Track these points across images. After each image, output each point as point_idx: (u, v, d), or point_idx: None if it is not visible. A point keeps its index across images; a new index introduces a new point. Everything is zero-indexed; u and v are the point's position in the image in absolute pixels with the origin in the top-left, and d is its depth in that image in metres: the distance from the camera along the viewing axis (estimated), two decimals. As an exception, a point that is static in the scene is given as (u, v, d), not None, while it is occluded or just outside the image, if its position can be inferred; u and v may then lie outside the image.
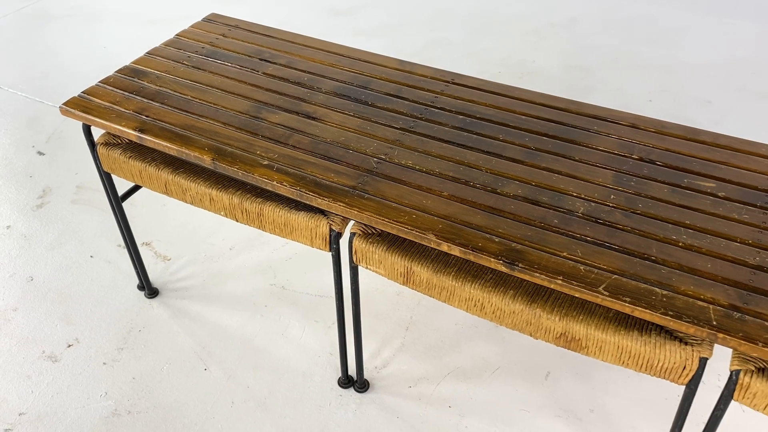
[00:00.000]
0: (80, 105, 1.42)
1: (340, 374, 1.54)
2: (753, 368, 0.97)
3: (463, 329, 1.65)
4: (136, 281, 1.79)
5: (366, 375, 1.55)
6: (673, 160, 1.25)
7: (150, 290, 1.76)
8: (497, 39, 2.89)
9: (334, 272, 1.30)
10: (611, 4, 3.13)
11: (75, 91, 2.61)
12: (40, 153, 2.27)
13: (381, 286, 1.76)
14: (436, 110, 1.39)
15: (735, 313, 0.97)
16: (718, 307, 0.97)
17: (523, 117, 1.37)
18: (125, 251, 1.88)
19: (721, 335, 0.95)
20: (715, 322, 0.95)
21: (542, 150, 1.28)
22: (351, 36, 2.90)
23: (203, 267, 1.84)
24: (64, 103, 1.42)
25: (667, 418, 1.45)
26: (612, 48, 2.80)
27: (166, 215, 2.01)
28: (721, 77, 2.60)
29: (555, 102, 1.41)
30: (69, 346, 1.63)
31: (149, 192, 2.08)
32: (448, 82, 1.48)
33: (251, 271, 1.82)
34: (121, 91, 1.45)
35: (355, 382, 1.53)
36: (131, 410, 1.49)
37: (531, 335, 1.13)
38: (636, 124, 1.34)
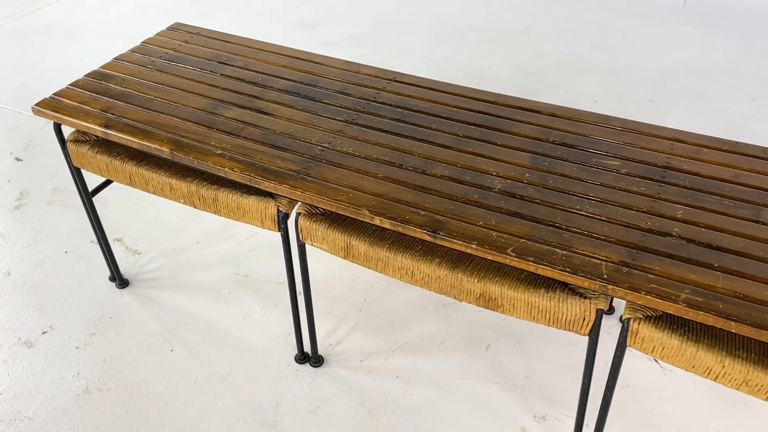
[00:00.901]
0: (51, 105, 1.54)
1: (296, 351, 1.67)
2: (641, 316, 1.11)
3: (412, 309, 1.78)
4: (108, 273, 1.90)
5: (321, 351, 1.68)
6: (584, 143, 1.39)
7: (121, 281, 1.87)
8: (456, 48, 3.05)
9: (284, 250, 1.43)
10: (563, 14, 3.31)
11: (52, 101, 2.73)
12: (17, 159, 2.38)
13: (337, 273, 1.89)
14: (378, 104, 1.53)
15: (624, 268, 1.10)
16: (610, 264, 1.11)
17: (455, 109, 1.51)
18: (98, 247, 2.00)
19: (610, 287, 1.08)
20: (605, 276, 1.09)
21: (469, 137, 1.43)
22: (319, 47, 3.05)
23: (171, 259, 1.96)
24: (37, 104, 1.55)
25: (595, 383, 1.58)
26: (563, 54, 2.97)
27: (137, 213, 2.13)
28: (664, 79, 2.77)
29: (484, 96, 1.55)
30: (44, 333, 1.74)
31: (121, 192, 2.20)
32: (389, 80, 1.62)
33: (216, 263, 1.94)
34: (89, 93, 1.58)
35: (310, 358, 1.65)
36: (101, 388, 1.60)
37: (455, 297, 1.26)
38: (555, 113, 1.49)
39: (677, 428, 1.48)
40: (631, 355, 1.64)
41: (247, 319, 1.77)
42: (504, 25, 3.23)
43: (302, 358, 1.65)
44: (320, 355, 1.66)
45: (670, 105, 2.59)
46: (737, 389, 1.07)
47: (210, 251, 1.98)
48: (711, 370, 1.07)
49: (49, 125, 2.54)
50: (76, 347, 1.70)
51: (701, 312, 1.03)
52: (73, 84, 1.62)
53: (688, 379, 1.58)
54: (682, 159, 1.34)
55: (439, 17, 3.33)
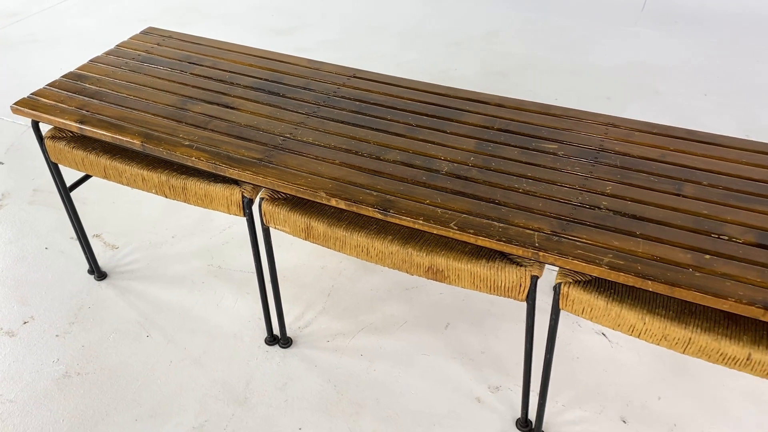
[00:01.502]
0: (29, 104, 1.64)
1: (266, 334, 1.76)
2: (571, 281, 1.22)
3: (377, 293, 1.88)
4: (87, 267, 1.99)
5: (290, 334, 1.77)
6: (526, 129, 1.50)
7: (99, 273, 1.96)
8: (424, 51, 3.17)
9: (249, 234, 1.53)
10: (527, 18, 3.45)
11: (32, 107, 2.81)
12: (-1, 162, 2.47)
13: (307, 262, 1.99)
14: (338, 98, 1.64)
15: (554, 237, 1.21)
16: (542, 234, 1.22)
17: (410, 101, 1.62)
18: (77, 243, 2.08)
19: (541, 254, 1.19)
20: (537, 244, 1.20)
21: (421, 126, 1.53)
22: (292, 52, 3.16)
23: (148, 253, 2.04)
24: (15, 103, 1.64)
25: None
26: (526, 56, 3.10)
27: (115, 211, 2.21)
28: (622, 77, 2.90)
29: (436, 89, 1.66)
30: (25, 323, 1.82)
31: (100, 191, 2.29)
32: (350, 76, 1.73)
33: (191, 255, 2.03)
34: (65, 92, 1.68)
35: (279, 340, 1.75)
36: (80, 372, 1.68)
37: (407, 271, 1.36)
38: (501, 103, 1.60)
39: (622, 395, 1.58)
40: (581, 330, 1.75)
41: (219, 306, 1.86)
42: (470, 29, 3.36)
43: (272, 340, 1.74)
44: (289, 337, 1.75)
45: (626, 101, 2.72)
46: (658, 344, 1.17)
47: (185, 244, 2.07)
48: (634, 327, 1.18)
49: (30, 130, 2.63)
50: (56, 335, 1.78)
51: (622, 273, 1.13)
52: (50, 84, 1.71)
53: (634, 352, 1.69)
54: (614, 141, 1.45)
55: (408, 23, 3.46)
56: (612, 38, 3.23)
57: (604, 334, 1.73)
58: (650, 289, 1.13)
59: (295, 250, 2.02)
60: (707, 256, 1.15)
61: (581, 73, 2.94)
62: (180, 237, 2.10)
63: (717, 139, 1.45)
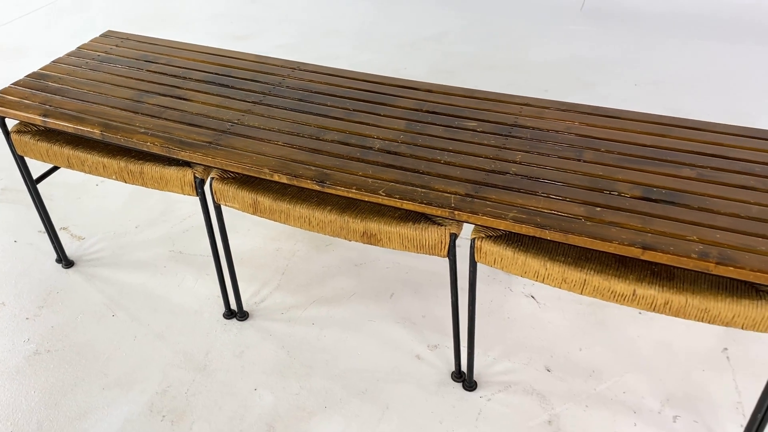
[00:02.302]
0: (-5, 101, 1.77)
1: (224, 309, 1.90)
2: (483, 236, 1.39)
3: (328, 270, 2.03)
4: (54, 256, 2.11)
5: (246, 308, 1.91)
6: (451, 111, 1.68)
7: (66, 262, 2.08)
8: (376, 52, 3.35)
9: (203, 213, 1.67)
10: (473, 19, 3.65)
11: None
12: (-33, 165, 2.57)
13: (263, 245, 2.13)
14: (282, 88, 1.80)
15: (468, 198, 1.38)
16: (458, 196, 1.39)
17: (348, 89, 1.79)
18: (44, 236, 2.20)
19: (457, 213, 1.36)
20: (453, 205, 1.37)
21: (358, 110, 1.70)
22: (250, 56, 3.31)
23: (112, 242, 2.17)
24: (-18, 100, 1.77)
25: (481, 319, 1.85)
26: (471, 54, 3.29)
27: (80, 206, 2.33)
28: (560, 72, 3.11)
29: (373, 78, 1.83)
30: (-4, 308, 1.94)
31: (66, 188, 2.41)
32: (294, 68, 1.89)
33: (153, 243, 2.16)
34: (29, 90, 1.81)
35: (236, 314, 1.89)
36: (50, 350, 1.81)
37: (345, 238, 1.52)
38: (430, 89, 1.77)
39: (547, 348, 1.75)
40: (512, 294, 1.92)
41: (181, 287, 1.99)
42: (420, 31, 3.55)
43: (229, 314, 1.88)
44: (246, 311, 1.90)
45: (562, 93, 2.92)
46: (559, 287, 1.34)
47: (147, 233, 2.20)
48: (537, 272, 1.35)
49: (-3, 134, 2.74)
50: (26, 318, 1.90)
51: (524, 225, 1.30)
52: (15, 83, 1.84)
53: (558, 311, 1.86)
54: (527, 118, 1.63)
55: (361, 27, 3.63)
56: (552, 36, 3.44)
57: (532, 297, 1.91)
58: (548, 238, 1.30)
59: (252, 235, 2.16)
60: (598, 209, 1.33)
61: (522, 69, 3.14)
62: (143, 227, 2.23)
63: (617, 113, 1.64)
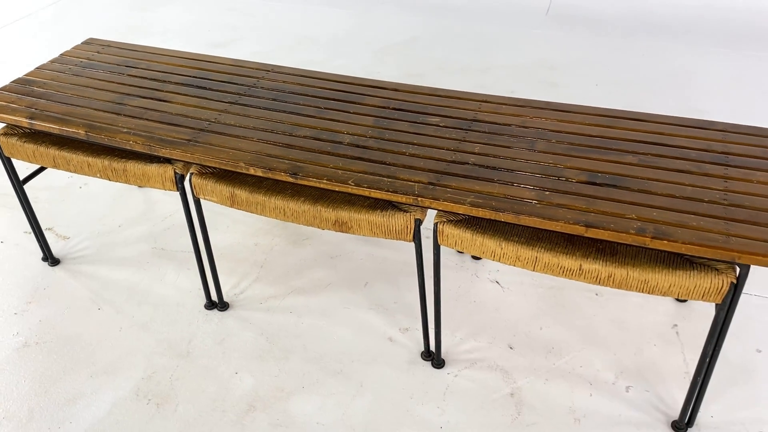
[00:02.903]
0: (-17, 105, 1.85)
1: (205, 301, 1.99)
2: (445, 220, 1.50)
3: (305, 262, 2.14)
4: (41, 255, 2.19)
5: (227, 299, 2.01)
6: (416, 108, 1.80)
7: (52, 260, 2.16)
8: (350, 57, 3.47)
9: (183, 207, 1.77)
10: (444, 25, 3.79)
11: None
12: (-48, 171, 2.64)
13: (242, 240, 2.23)
14: (257, 89, 1.91)
15: (431, 186, 1.50)
16: (421, 184, 1.50)
17: (319, 89, 1.90)
18: (30, 237, 2.28)
19: (420, 199, 1.47)
20: (416, 192, 1.48)
21: (329, 108, 1.81)
22: (228, 63, 3.41)
23: (97, 241, 2.26)
24: (-30, 105, 1.85)
25: (449, 304, 1.96)
26: (442, 58, 3.42)
27: (65, 208, 2.42)
28: (525, 74, 3.25)
29: (343, 79, 1.95)
30: (-16, 305, 2.02)
31: (51, 191, 2.49)
32: (267, 71, 2.00)
33: (136, 240, 2.25)
34: (15, 94, 1.90)
35: (217, 305, 1.98)
36: (38, 342, 1.89)
37: (318, 227, 1.63)
38: (397, 88, 1.89)
39: (510, 328, 1.87)
40: (478, 280, 2.04)
41: (163, 281, 2.08)
42: (392, 37, 3.68)
43: (210, 305, 1.98)
44: (226, 302, 1.99)
45: (527, 94, 3.06)
46: (514, 265, 1.46)
47: (130, 232, 2.29)
48: (494, 252, 1.47)
49: (-20, 141, 2.81)
50: (15, 313, 1.98)
51: (480, 209, 1.42)
52: (1, 89, 1.93)
53: (521, 295, 1.98)
54: (485, 113, 1.76)
55: (335, 34, 3.76)
56: (518, 40, 3.59)
57: (497, 282, 2.03)
58: (503, 220, 1.42)
59: (231, 232, 2.26)
60: (547, 193, 1.45)
61: (490, 72, 3.28)
62: (126, 226, 2.32)
63: (567, 107, 1.77)
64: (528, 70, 3.27)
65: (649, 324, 1.88)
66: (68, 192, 2.50)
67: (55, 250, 2.22)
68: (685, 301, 1.96)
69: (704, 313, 1.92)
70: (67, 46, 3.67)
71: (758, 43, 3.51)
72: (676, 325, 1.88)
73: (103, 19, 4.04)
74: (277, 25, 3.89)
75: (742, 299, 1.96)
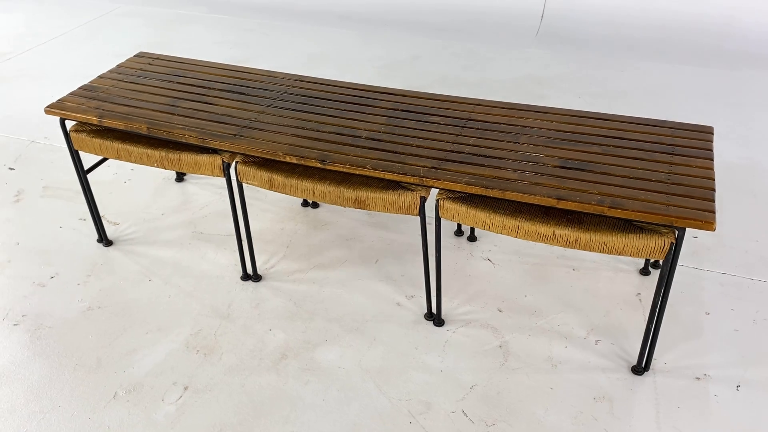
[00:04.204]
0: (58, 106, 2.21)
1: (241, 273, 2.34)
2: (445, 197, 1.86)
3: (324, 243, 2.49)
4: (96, 237, 2.53)
5: (260, 272, 2.35)
6: (420, 109, 2.16)
7: (107, 241, 2.51)
8: (358, 73, 3.85)
9: (228, 191, 2.13)
10: (443, 44, 4.18)
11: (32, 127, 3.38)
12: (10, 168, 2.99)
13: (270, 226, 2.58)
14: (288, 95, 2.27)
15: (434, 169, 1.85)
16: (426, 167, 1.86)
17: (340, 95, 2.27)
18: (85, 223, 2.62)
19: (425, 179, 1.83)
20: (422, 173, 1.84)
21: (348, 110, 2.17)
22: (248, 77, 3.79)
23: (143, 226, 2.61)
24: (48, 106, 2.21)
25: (449, 276, 2.31)
26: (442, 73, 3.81)
27: (113, 199, 2.77)
28: (515, 87, 3.63)
29: (360, 86, 2.31)
30: (51, 277, 2.36)
31: (100, 185, 2.85)
32: (296, 80, 2.37)
33: (178, 226, 2.60)
34: (84, 98, 2.26)
35: (252, 277, 2.33)
36: (100, 306, 2.23)
37: (340, 204, 1.98)
38: (404, 94, 2.26)
39: (499, 296, 2.22)
40: (473, 258, 2.39)
41: (204, 258, 2.43)
42: (396, 54, 4.07)
43: (246, 277, 2.33)
44: (259, 275, 2.34)
45: (518, 104, 3.43)
46: (500, 232, 1.82)
47: (172, 219, 2.64)
48: (485, 222, 1.82)
49: (33, 144, 3.17)
50: (78, 284, 2.32)
51: (473, 187, 1.78)
52: (71, 93, 2.29)
53: (509, 270, 2.33)
54: (478, 114, 2.12)
55: (345, 52, 4.14)
56: (510, 57, 3.98)
57: (489, 260, 2.38)
58: (491, 195, 1.77)
59: (261, 219, 2.62)
60: (527, 174, 1.81)
61: (483, 86, 3.66)
62: (168, 214, 2.67)
63: (546, 109, 2.13)
64: (518, 84, 3.66)
65: (617, 293, 2.23)
66: (115, 186, 2.85)
67: (108, 233, 2.56)
68: (648, 274, 2.31)
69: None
70: (98, 63, 4.05)
71: (725, 61, 3.90)
72: (639, 294, 2.23)
73: (133, 36, 4.43)
74: (290, 44, 4.28)
75: (697, 273, 2.31)
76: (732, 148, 3.04)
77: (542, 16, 4.46)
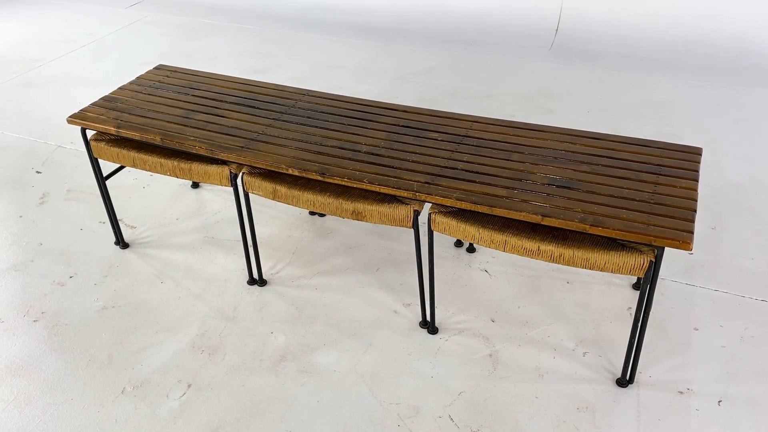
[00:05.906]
0: (80, 116, 2.35)
1: (248, 278, 2.45)
2: (437, 211, 1.95)
3: (328, 251, 2.59)
4: (113, 240, 2.68)
5: (265, 277, 2.46)
6: (420, 125, 2.25)
7: (123, 244, 2.65)
8: (373, 84, 3.96)
9: (235, 199, 2.24)
10: (456, 56, 4.26)
11: (60, 132, 3.55)
12: (37, 172, 3.16)
13: (277, 233, 2.70)
14: (295, 109, 2.38)
15: (427, 184, 1.94)
16: (420, 182, 1.95)
17: (344, 110, 2.37)
18: (104, 226, 2.77)
19: (418, 194, 1.92)
20: (416, 189, 1.93)
21: (351, 125, 2.27)
22: (266, 87, 3.92)
23: (158, 230, 2.74)
24: (70, 116, 2.36)
25: (444, 286, 2.39)
26: (453, 86, 3.89)
27: (131, 204, 2.91)
28: (526, 101, 3.70)
29: (364, 102, 2.42)
30: (71, 277, 2.50)
31: (119, 189, 2.99)
32: (303, 94, 2.48)
33: (191, 230, 2.73)
34: (104, 108, 2.40)
35: (257, 281, 2.44)
36: (114, 306, 2.36)
37: (340, 216, 2.08)
38: (406, 110, 2.35)
39: (493, 306, 2.30)
40: (470, 269, 2.47)
41: (213, 262, 2.55)
42: (411, 66, 4.17)
43: (252, 281, 2.44)
44: (264, 279, 2.45)
45: (526, 118, 3.50)
46: (489, 246, 1.90)
47: (186, 224, 2.77)
48: (474, 236, 1.90)
49: (60, 149, 3.34)
50: (95, 284, 2.46)
51: (463, 202, 1.87)
52: (92, 104, 2.44)
53: (504, 281, 2.41)
54: (475, 131, 2.21)
55: (361, 63, 4.25)
56: (523, 71, 4.05)
57: (486, 271, 2.46)
58: (480, 211, 1.86)
59: (269, 226, 2.73)
60: (515, 191, 1.89)
61: (495, 98, 3.73)
62: (182, 219, 2.80)
63: (541, 127, 2.21)
64: (528, 98, 3.72)
65: (608, 306, 2.29)
66: (134, 191, 3.00)
67: (125, 236, 2.70)
68: (639, 289, 2.36)
69: (655, 300, 2.32)
70: (125, 71, 4.22)
71: (732, 78, 3.92)
72: (630, 308, 2.28)
73: (158, 45, 4.60)
74: (310, 54, 4.41)
75: (690, 289, 2.36)
76: (735, 164, 3.07)
77: (557, 30, 4.51)
